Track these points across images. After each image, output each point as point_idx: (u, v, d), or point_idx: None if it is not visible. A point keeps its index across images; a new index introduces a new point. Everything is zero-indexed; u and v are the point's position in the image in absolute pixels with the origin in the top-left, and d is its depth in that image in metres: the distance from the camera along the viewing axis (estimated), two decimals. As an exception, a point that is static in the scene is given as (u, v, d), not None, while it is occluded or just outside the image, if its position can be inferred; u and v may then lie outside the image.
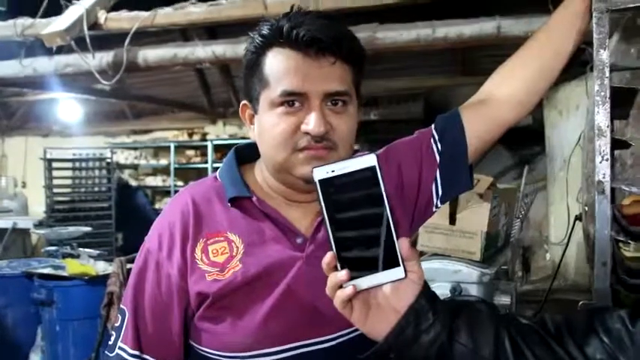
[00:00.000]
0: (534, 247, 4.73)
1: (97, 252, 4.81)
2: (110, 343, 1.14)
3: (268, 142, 1.06)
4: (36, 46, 3.59)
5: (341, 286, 0.81)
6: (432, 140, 1.25)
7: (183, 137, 9.23)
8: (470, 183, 1.27)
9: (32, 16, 3.52)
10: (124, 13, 3.36)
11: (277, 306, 1.05)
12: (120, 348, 1.11)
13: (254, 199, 1.10)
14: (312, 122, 1.01)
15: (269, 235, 1.09)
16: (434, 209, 1.28)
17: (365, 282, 0.81)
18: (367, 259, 0.81)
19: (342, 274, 0.80)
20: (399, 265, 0.81)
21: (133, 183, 9.15)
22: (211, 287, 1.05)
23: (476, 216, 1.97)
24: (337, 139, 1.04)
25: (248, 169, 1.18)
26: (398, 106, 7.21)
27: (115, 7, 3.45)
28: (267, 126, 1.05)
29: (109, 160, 7.89)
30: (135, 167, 9.59)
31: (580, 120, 4.51)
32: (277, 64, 1.03)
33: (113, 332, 1.15)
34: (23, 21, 3.56)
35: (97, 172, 8.02)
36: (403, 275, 0.81)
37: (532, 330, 0.86)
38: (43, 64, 3.86)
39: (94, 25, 3.29)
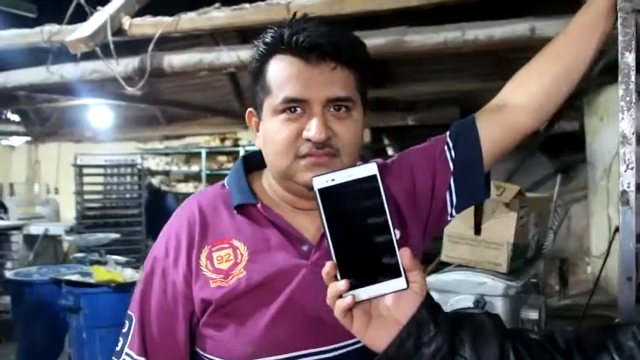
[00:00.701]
0: (574, 260, 4.62)
1: (125, 259, 4.92)
2: (117, 349, 1.18)
3: (271, 148, 1.09)
4: (64, 53, 3.71)
5: (341, 296, 0.82)
6: (445, 147, 1.25)
7: (215, 142, 9.35)
8: (485, 191, 1.26)
9: (59, 23, 3.65)
10: (147, 19, 3.45)
11: (280, 314, 1.07)
12: (126, 354, 1.15)
13: (259, 206, 1.13)
14: (313, 128, 1.03)
15: (274, 243, 1.11)
16: (449, 218, 1.28)
17: (365, 292, 0.82)
18: (368, 269, 0.82)
19: (342, 284, 0.81)
20: (400, 276, 0.82)
21: (164, 190, 9.28)
22: (215, 294, 1.08)
23: (502, 226, 1.95)
24: (340, 145, 1.06)
25: (256, 177, 1.21)
26: (435, 111, 7.17)
27: (140, 13, 3.55)
28: (269, 132, 1.09)
29: (139, 167, 8.04)
30: (166, 173, 9.75)
31: (623, 126, 4.38)
32: (279, 71, 1.07)
33: (120, 338, 1.19)
34: (50, 28, 3.69)
35: (128, 179, 8.17)
36: (405, 286, 0.82)
37: (539, 345, 0.85)
38: (69, 71, 3.99)
39: (118, 31, 3.40)
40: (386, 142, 7.81)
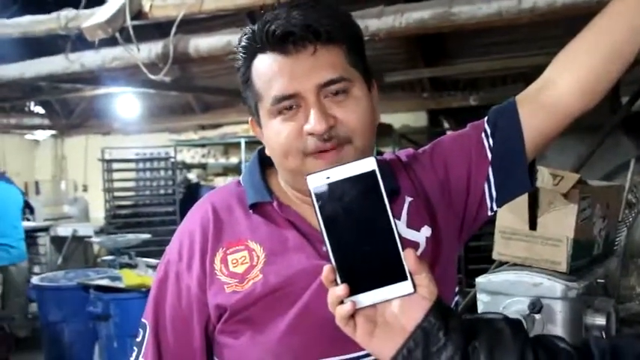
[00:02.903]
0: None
1: (157, 261, 5.05)
2: (131, 359, 1.27)
3: (276, 152, 1.15)
4: (84, 40, 3.84)
5: (342, 302, 0.84)
6: (483, 135, 1.27)
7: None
8: (528, 182, 1.26)
9: (75, 7, 3.78)
10: (170, 0, 3.54)
11: (299, 320, 1.12)
12: (140, 364, 1.24)
13: (275, 204, 1.19)
14: (311, 121, 1.07)
15: (292, 244, 1.17)
16: (489, 212, 1.29)
17: (368, 298, 0.84)
18: (370, 273, 0.84)
19: (340, 288, 0.83)
20: (406, 279, 0.83)
21: (201, 183, 9.36)
22: (230, 299, 1.15)
23: (560, 220, 1.93)
24: (347, 131, 1.10)
25: (273, 173, 1.26)
26: (501, 89, 7.05)
27: (161, -6, 3.65)
28: (271, 137, 1.14)
29: (173, 160, 8.14)
30: (203, 166, 9.75)
31: None
32: (262, 71, 1.12)
33: (135, 348, 1.27)
34: (67, 13, 3.83)
35: (161, 173, 8.31)
36: (411, 290, 0.83)
37: (566, 355, 0.86)
38: (89, 58, 4.13)
39: (138, 15, 3.50)
40: (446, 125, 7.73)
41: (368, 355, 1.09)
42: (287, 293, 1.14)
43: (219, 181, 9.40)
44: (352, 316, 0.85)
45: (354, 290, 0.83)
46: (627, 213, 2.41)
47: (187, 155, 9.61)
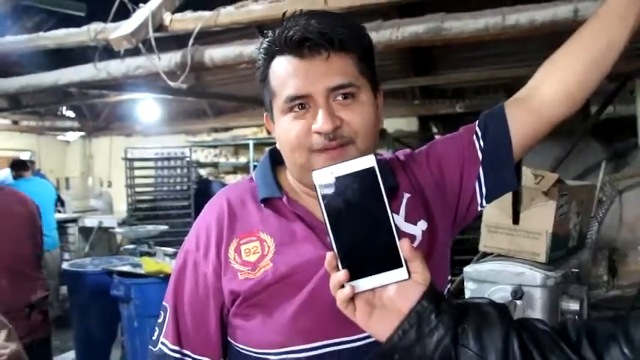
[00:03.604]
0: (625, 250, 4.47)
1: (174, 250, 5.04)
2: (154, 338, 1.25)
3: (286, 147, 1.13)
4: (110, 50, 3.84)
5: (343, 286, 0.84)
6: (474, 137, 1.25)
7: (263, 134, 9.39)
8: (515, 181, 1.25)
9: (105, 21, 3.78)
10: (188, 14, 3.53)
11: (305, 304, 1.11)
12: (162, 343, 1.22)
13: (284, 199, 1.17)
14: (319, 121, 1.06)
15: (300, 235, 1.15)
16: (479, 208, 1.28)
17: (366, 283, 0.84)
18: (368, 260, 0.84)
19: (341, 274, 0.84)
20: (401, 266, 0.83)
21: (211, 179, 9.40)
22: (243, 285, 1.13)
23: (540, 215, 1.93)
24: (352, 132, 1.08)
25: (282, 170, 1.24)
26: (484, 97, 7.05)
27: (180, 9, 3.63)
28: (282, 133, 1.12)
29: (188, 159, 8.17)
30: (215, 165, 9.85)
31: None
32: (278, 71, 1.10)
33: (157, 328, 1.25)
34: (96, 26, 3.83)
35: (177, 171, 8.34)
36: (406, 276, 0.84)
37: (546, 335, 0.84)
38: (115, 67, 4.12)
39: (159, 27, 3.49)
40: (434, 130, 7.73)
41: (368, 337, 1.08)
42: (295, 280, 1.12)
43: (230, 179, 9.48)
44: (352, 299, 0.85)
45: (353, 276, 0.84)
46: (598, 210, 2.40)
47: (201, 155, 9.64)
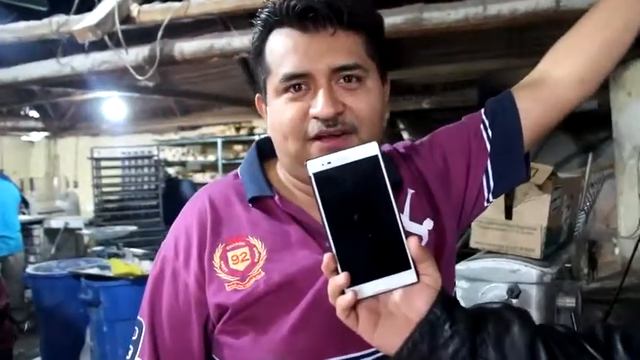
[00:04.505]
0: (601, 241, 4.46)
1: (143, 251, 4.86)
2: (128, 357, 1.07)
3: (277, 132, 0.97)
4: (75, 45, 3.62)
5: (343, 292, 0.72)
6: (481, 126, 1.12)
7: (231, 132, 9.27)
8: (526, 174, 1.13)
9: (67, 14, 3.55)
10: (156, 5, 3.33)
11: (304, 318, 0.95)
12: (137, 363, 1.04)
13: (276, 198, 1.01)
14: (319, 104, 0.90)
15: (295, 239, 0.99)
16: (485, 203, 1.15)
17: (370, 288, 0.72)
18: (372, 262, 0.72)
19: (341, 277, 0.71)
20: (409, 268, 0.72)
21: (179, 178, 9.28)
22: (231, 298, 0.96)
23: (535, 209, 1.81)
24: (355, 119, 0.93)
25: (271, 165, 1.08)
26: (452, 93, 6.99)
27: (148, 0, 3.43)
28: (274, 116, 0.97)
29: (156, 158, 7.99)
30: (183, 164, 9.72)
31: (655, 102, 4.21)
32: (276, 46, 0.94)
33: (131, 346, 1.08)
34: (58, 19, 3.60)
35: (145, 170, 8.14)
36: (415, 279, 0.72)
37: (573, 341, 0.74)
38: (80, 62, 3.89)
39: (127, 19, 3.29)
40: (401, 126, 7.65)
41: (376, 351, 0.94)
42: (291, 291, 0.96)
43: (198, 177, 9.38)
44: (354, 308, 0.73)
45: (355, 280, 0.72)
46: (585, 201, 2.31)
47: (169, 154, 9.52)
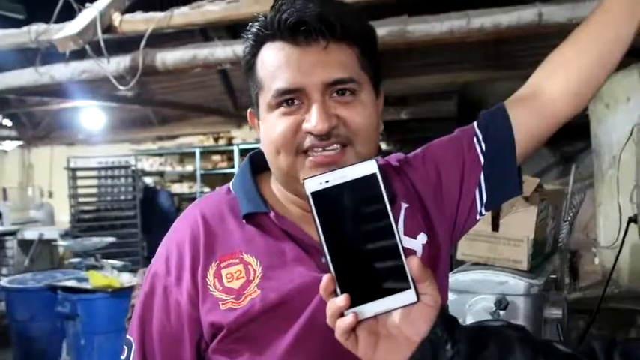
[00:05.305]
0: (581, 251, 4.50)
1: (122, 263, 4.78)
2: (116, 377, 1.03)
3: (269, 147, 0.94)
4: (53, 54, 3.55)
5: (342, 314, 0.70)
6: (474, 139, 1.11)
7: (209, 142, 9.21)
8: (519, 188, 1.12)
9: (47, 22, 3.48)
10: (138, 15, 3.28)
11: (301, 337, 0.93)
12: (126, 383, 1.01)
13: (271, 215, 0.98)
14: (313, 119, 0.88)
15: (290, 256, 0.96)
16: (478, 217, 1.13)
17: (370, 308, 0.70)
18: (371, 282, 0.71)
19: (341, 299, 0.70)
20: (409, 288, 0.70)
21: (157, 188, 9.18)
22: (226, 317, 0.93)
23: (521, 221, 1.82)
24: (350, 132, 0.91)
25: (264, 179, 1.05)
26: (429, 104, 7.04)
27: (130, 9, 3.38)
28: (267, 130, 0.94)
29: (133, 168, 7.88)
30: (161, 174, 9.61)
31: (631, 113, 4.27)
32: (268, 61, 0.92)
33: (119, 366, 1.04)
34: (37, 27, 3.53)
35: (122, 180, 8.03)
36: (415, 299, 0.70)
37: (573, 358, 0.73)
38: (59, 71, 3.81)
39: (108, 29, 3.23)
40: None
41: None
42: (287, 310, 0.93)
43: (176, 188, 9.31)
44: (353, 329, 0.71)
45: (354, 301, 0.70)
46: (568, 212, 2.33)
47: (146, 164, 9.40)
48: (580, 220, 4.70)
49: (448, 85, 6.29)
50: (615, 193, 4.32)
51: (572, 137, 5.23)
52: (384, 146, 8.23)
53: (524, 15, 2.66)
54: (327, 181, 0.71)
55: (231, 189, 1.07)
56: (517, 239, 1.82)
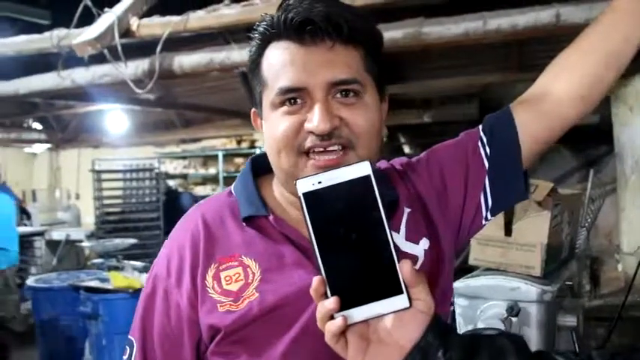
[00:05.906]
0: (603, 258, 4.41)
1: (143, 264, 4.83)
2: (118, 377, 1.04)
3: (271, 146, 0.94)
4: (76, 58, 3.61)
5: (332, 317, 0.69)
6: (479, 143, 1.09)
7: (232, 145, 9.27)
8: (525, 192, 1.10)
9: (68, 27, 3.54)
10: (156, 19, 3.32)
11: (299, 340, 0.92)
12: (127, 383, 1.01)
13: (271, 218, 0.98)
14: (315, 118, 0.88)
15: (289, 259, 0.96)
16: (483, 222, 1.12)
17: (360, 313, 0.69)
18: (362, 286, 0.69)
19: (330, 302, 0.68)
20: (401, 293, 0.69)
21: (180, 190, 9.25)
22: (224, 319, 0.94)
23: (534, 226, 1.78)
24: (352, 134, 0.90)
25: (266, 182, 1.05)
26: (452, 107, 6.97)
27: (148, 14, 3.42)
28: (269, 129, 0.94)
29: (157, 171, 7.96)
30: (184, 177, 9.72)
31: (655, 117, 4.18)
32: (273, 59, 0.92)
33: (121, 366, 1.05)
34: (58, 32, 3.59)
35: (146, 183, 8.12)
36: (407, 304, 0.69)
37: None
38: (80, 75, 3.88)
39: (126, 33, 3.28)
40: (402, 140, 7.63)
41: None
42: (285, 313, 0.93)
43: (199, 190, 9.36)
44: (343, 333, 0.70)
45: (345, 304, 0.69)
46: (585, 217, 2.28)
47: (170, 166, 9.51)
48: (603, 226, 4.60)
49: (469, 88, 6.23)
50: (639, 198, 4.23)
51: (596, 140, 5.14)
52: (406, 149, 8.18)
53: (542, 16, 2.62)
54: (320, 182, 0.70)
55: (232, 192, 1.07)
56: (530, 245, 1.78)
